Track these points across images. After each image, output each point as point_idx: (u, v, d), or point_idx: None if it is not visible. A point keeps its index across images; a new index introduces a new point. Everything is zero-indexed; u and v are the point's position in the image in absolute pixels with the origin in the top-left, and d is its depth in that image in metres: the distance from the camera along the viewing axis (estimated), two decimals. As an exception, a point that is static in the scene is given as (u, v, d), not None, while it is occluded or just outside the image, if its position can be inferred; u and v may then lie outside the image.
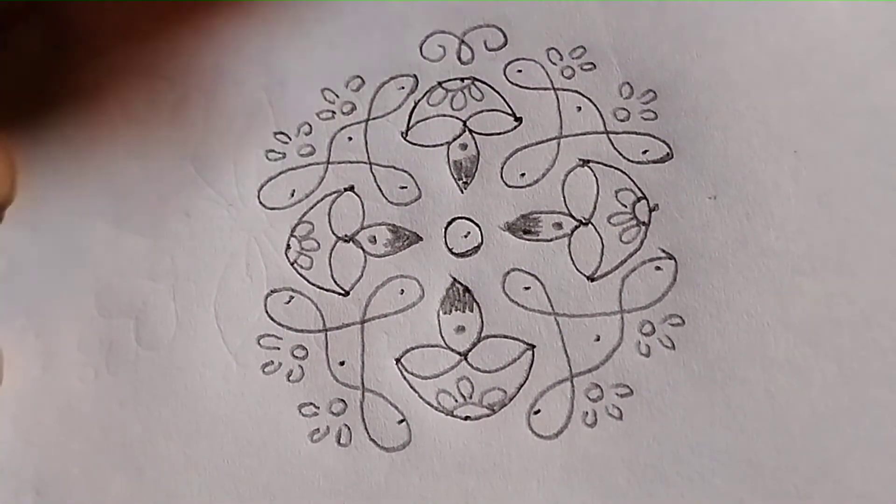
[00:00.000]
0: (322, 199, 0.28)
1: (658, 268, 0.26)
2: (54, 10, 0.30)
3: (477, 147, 0.28)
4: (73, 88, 0.29)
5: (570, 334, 0.26)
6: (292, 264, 0.27)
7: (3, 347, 0.27)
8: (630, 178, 0.27)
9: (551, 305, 0.26)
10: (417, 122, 0.28)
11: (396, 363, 0.26)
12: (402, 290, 0.27)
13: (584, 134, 0.28)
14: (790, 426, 0.24)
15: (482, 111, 0.28)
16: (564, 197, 0.27)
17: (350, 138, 0.28)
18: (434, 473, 0.25)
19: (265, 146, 0.28)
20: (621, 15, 0.29)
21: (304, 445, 0.26)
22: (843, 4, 0.28)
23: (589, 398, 0.25)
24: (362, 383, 0.26)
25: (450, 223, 0.27)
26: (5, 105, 0.29)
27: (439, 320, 0.27)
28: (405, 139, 0.28)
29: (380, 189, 0.28)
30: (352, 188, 0.28)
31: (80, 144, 0.29)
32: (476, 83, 0.29)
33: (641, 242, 0.26)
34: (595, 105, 0.28)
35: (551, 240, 0.27)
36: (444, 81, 0.29)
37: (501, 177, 0.28)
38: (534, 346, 0.26)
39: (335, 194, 0.28)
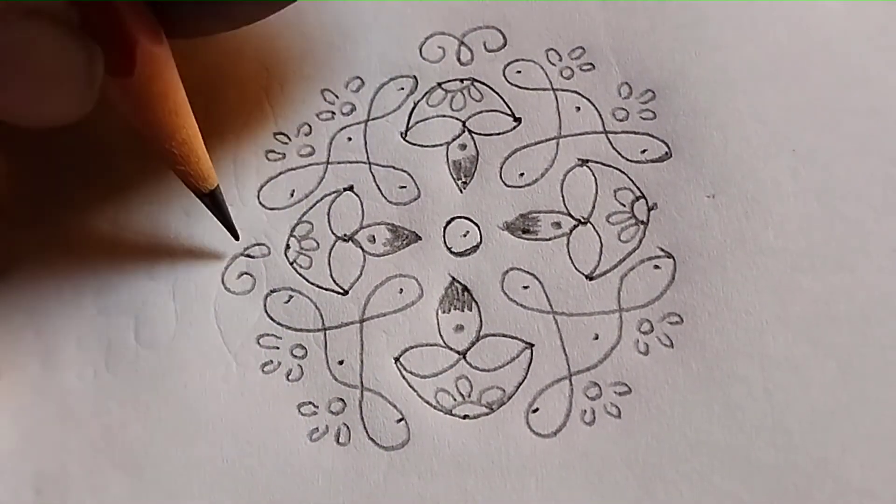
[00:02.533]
0: (321, 199, 0.28)
1: (657, 266, 0.26)
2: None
3: (476, 147, 0.28)
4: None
5: (569, 333, 0.26)
6: (291, 264, 0.27)
7: (2, 346, 0.27)
8: (629, 177, 0.27)
9: (550, 304, 0.26)
10: (417, 122, 0.28)
11: (395, 362, 0.26)
12: (402, 290, 0.27)
13: (582, 134, 0.28)
14: (789, 424, 0.24)
15: (481, 112, 0.28)
16: (563, 196, 0.27)
17: (350, 139, 0.28)
18: (433, 472, 0.25)
19: (265, 146, 0.28)
20: (620, 15, 0.29)
21: (304, 445, 0.26)
22: (841, 4, 0.28)
23: (587, 396, 0.25)
24: (361, 382, 0.26)
25: (449, 223, 0.27)
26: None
27: (438, 319, 0.27)
28: (404, 139, 0.28)
29: (379, 189, 0.28)
30: (351, 188, 0.28)
31: (81, 144, 0.29)
32: (475, 84, 0.29)
33: (640, 241, 0.27)
34: (594, 105, 0.28)
35: (550, 239, 0.27)
36: (444, 82, 0.29)
37: (500, 176, 0.28)
38: (532, 345, 0.26)
39: (334, 194, 0.28)
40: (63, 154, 0.29)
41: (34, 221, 0.28)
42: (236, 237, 0.27)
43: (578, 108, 0.28)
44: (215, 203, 0.26)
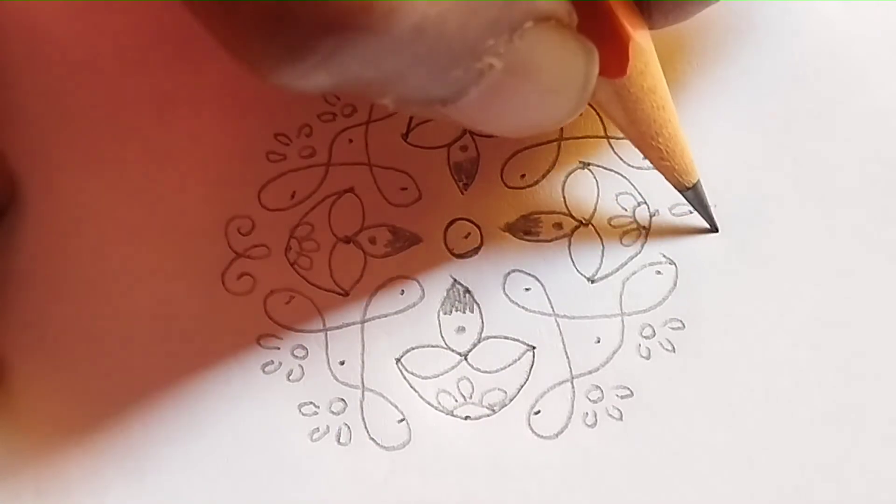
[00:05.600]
0: (322, 201, 0.28)
1: (658, 272, 0.26)
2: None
3: (477, 149, 0.28)
4: (72, 91, 0.29)
5: (571, 336, 0.26)
6: (292, 265, 0.27)
7: (1, 346, 0.27)
8: (630, 182, 0.27)
9: (552, 307, 0.26)
10: (418, 124, 0.28)
11: (396, 363, 0.26)
12: (403, 291, 0.27)
13: (584, 137, 0.28)
14: (790, 428, 0.25)
15: (482, 113, 0.28)
16: (564, 198, 0.27)
17: (351, 140, 0.28)
18: (434, 473, 0.25)
19: (265, 147, 0.28)
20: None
21: (304, 445, 0.26)
22: (841, 8, 0.28)
23: (589, 399, 0.26)
24: (362, 383, 0.26)
25: (450, 224, 0.27)
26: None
27: (440, 321, 0.27)
28: (406, 141, 0.28)
29: (380, 190, 0.28)
30: (352, 189, 0.28)
31: (79, 146, 0.29)
32: (476, 86, 0.29)
33: (642, 246, 0.27)
34: (596, 110, 0.28)
35: (551, 240, 0.27)
36: (445, 83, 0.29)
37: (502, 178, 0.28)
38: (534, 347, 0.26)
39: (335, 196, 0.28)
40: (63, 156, 0.28)
41: (34, 220, 0.28)
42: (715, 229, 0.27)
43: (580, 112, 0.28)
44: (697, 197, 0.26)
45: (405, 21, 0.16)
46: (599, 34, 0.21)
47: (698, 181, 0.26)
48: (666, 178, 0.25)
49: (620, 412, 0.25)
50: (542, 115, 0.21)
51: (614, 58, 0.22)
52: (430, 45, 0.17)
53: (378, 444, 0.26)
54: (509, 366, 0.26)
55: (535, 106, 0.20)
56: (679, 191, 0.26)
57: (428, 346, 0.26)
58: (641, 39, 0.22)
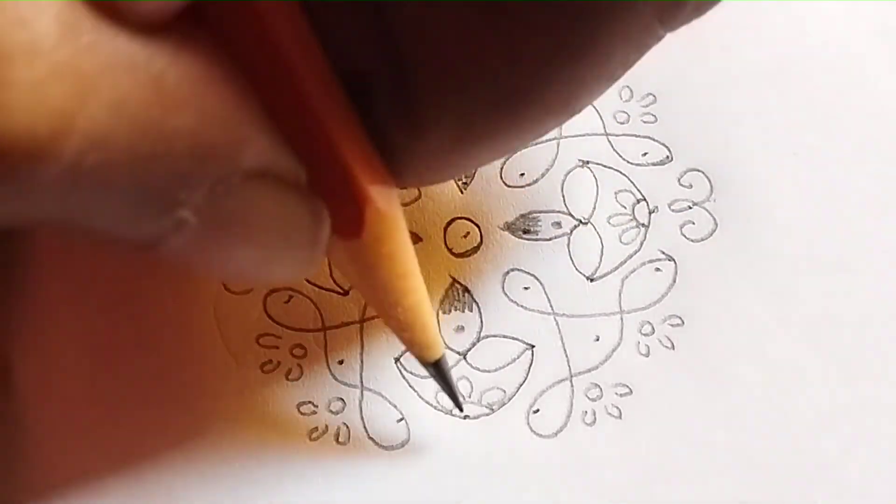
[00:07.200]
0: (322, 200, 0.28)
1: (658, 269, 0.26)
2: None
3: (477, 148, 0.28)
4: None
5: (570, 334, 0.26)
6: (291, 264, 0.27)
7: (2, 346, 0.27)
8: (630, 179, 0.27)
9: (551, 305, 0.26)
10: (418, 122, 0.28)
11: (395, 362, 0.26)
12: (402, 290, 0.27)
13: (583, 135, 0.28)
14: (789, 426, 0.25)
15: (482, 112, 0.28)
16: (564, 197, 0.27)
17: (350, 139, 0.28)
18: (433, 472, 0.25)
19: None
20: (621, 17, 0.29)
21: (303, 444, 0.26)
22: (841, 5, 0.28)
23: (588, 398, 0.26)
24: (361, 382, 0.26)
25: (449, 223, 0.27)
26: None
27: (439, 320, 0.27)
28: (405, 140, 0.28)
29: (379, 190, 0.28)
30: (351, 189, 0.28)
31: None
32: (476, 84, 0.29)
33: (641, 244, 0.27)
34: (594, 107, 0.28)
35: (550, 239, 0.27)
36: (444, 82, 0.29)
37: (501, 177, 0.28)
38: (533, 346, 0.26)
39: (335, 195, 0.28)
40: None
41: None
42: (460, 409, 0.26)
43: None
44: (440, 374, 0.24)
45: (47, 169, 0.14)
46: (333, 192, 0.19)
47: (441, 357, 0.24)
48: (407, 349, 0.23)
49: (620, 410, 0.25)
50: (266, 269, 0.19)
51: (349, 218, 0.19)
52: (95, 194, 0.15)
53: (377, 443, 0.26)
54: (508, 365, 0.26)
55: (252, 261, 0.19)
56: (421, 364, 0.24)
57: (427, 345, 0.26)
58: (383, 202, 0.19)
